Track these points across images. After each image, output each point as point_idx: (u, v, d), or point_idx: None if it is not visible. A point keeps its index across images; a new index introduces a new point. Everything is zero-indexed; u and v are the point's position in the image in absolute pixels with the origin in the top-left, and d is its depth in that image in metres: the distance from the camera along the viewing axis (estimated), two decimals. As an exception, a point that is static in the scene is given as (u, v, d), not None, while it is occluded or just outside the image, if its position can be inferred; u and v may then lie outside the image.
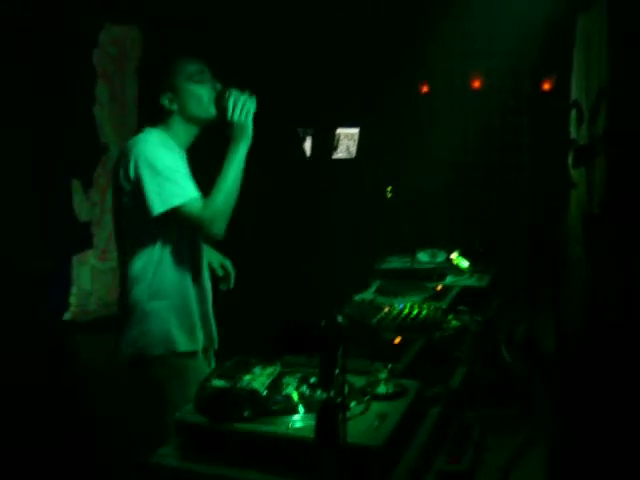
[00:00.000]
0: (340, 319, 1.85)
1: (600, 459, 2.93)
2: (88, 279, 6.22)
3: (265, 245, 5.88)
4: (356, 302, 3.55)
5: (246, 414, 2.02)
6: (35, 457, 3.71)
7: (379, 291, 3.81)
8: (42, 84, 5.52)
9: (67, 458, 3.75)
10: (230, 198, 2.71)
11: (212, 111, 2.84)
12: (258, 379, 2.12)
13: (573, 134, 5.04)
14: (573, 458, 2.85)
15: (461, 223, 6.62)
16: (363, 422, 1.98)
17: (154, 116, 2.87)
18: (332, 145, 6.73)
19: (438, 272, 4.16)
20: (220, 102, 2.79)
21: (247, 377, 2.13)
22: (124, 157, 2.73)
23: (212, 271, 3.10)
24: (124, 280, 2.81)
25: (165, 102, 2.83)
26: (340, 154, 6.86)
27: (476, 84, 6.45)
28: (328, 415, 1.71)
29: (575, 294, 4.55)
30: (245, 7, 5.94)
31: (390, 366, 2.34)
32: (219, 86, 2.86)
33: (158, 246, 2.75)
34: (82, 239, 6.17)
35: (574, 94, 5.26)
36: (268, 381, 2.13)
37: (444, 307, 3.33)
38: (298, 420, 2.00)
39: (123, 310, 2.81)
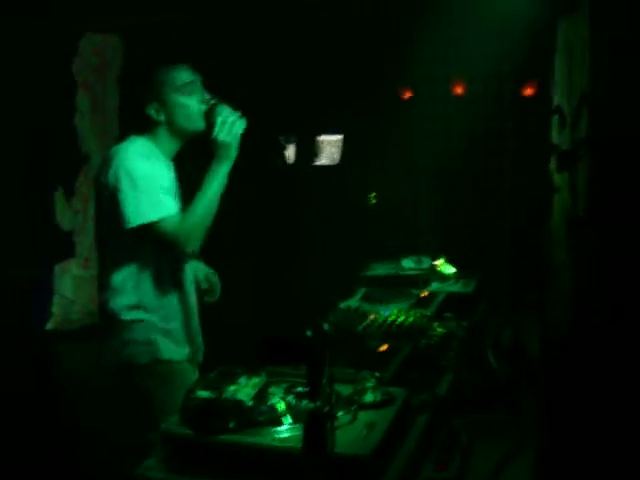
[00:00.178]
0: (326, 327, 1.84)
1: (587, 464, 2.93)
2: (71, 288, 6.19)
3: (248, 254, 5.86)
4: (341, 310, 3.54)
5: (232, 425, 2.00)
6: (17, 467, 3.67)
7: (364, 298, 3.80)
8: (23, 94, 5.49)
9: (50, 469, 3.70)
10: (207, 217, 2.67)
11: (200, 124, 2.80)
12: (243, 389, 2.10)
13: (555, 139, 5.04)
14: (560, 463, 2.84)
15: (445, 229, 6.61)
16: (351, 431, 1.97)
17: (140, 124, 2.82)
18: (315, 152, 6.71)
19: (423, 278, 4.15)
20: (209, 116, 2.75)
21: (232, 388, 2.10)
22: (106, 165, 2.69)
23: (197, 283, 3.07)
24: (104, 290, 2.77)
25: (152, 112, 2.78)
26: (323, 161, 6.83)
27: (459, 90, 6.44)
28: (316, 425, 1.69)
29: (560, 298, 4.54)
30: (227, 15, 5.92)
31: (377, 374, 2.33)
32: (209, 98, 2.82)
33: (138, 258, 2.71)
34: (64, 248, 6.14)
35: (556, 99, 5.27)
36: (254, 391, 2.11)
37: (430, 314, 3.32)
38: (285, 431, 1.98)
39: (105, 320, 2.77)
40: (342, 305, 3.64)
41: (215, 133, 2.69)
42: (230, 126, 2.70)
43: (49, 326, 5.97)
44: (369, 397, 2.18)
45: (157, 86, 2.79)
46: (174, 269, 2.81)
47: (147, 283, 2.73)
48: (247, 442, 1.96)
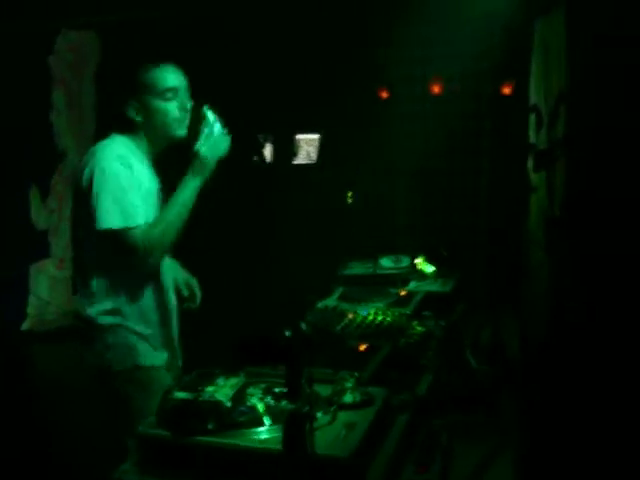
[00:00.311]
0: (304, 327, 1.82)
1: (566, 462, 2.93)
2: (46, 288, 6.13)
3: (224, 253, 5.82)
4: (319, 309, 3.51)
5: (210, 427, 1.97)
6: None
7: (342, 297, 3.78)
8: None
9: (23, 471, 3.66)
10: (171, 231, 2.62)
11: (179, 132, 2.77)
12: (222, 390, 2.07)
13: (532, 138, 5.05)
14: (540, 463, 2.84)
15: (422, 228, 6.61)
16: (331, 432, 1.95)
17: (121, 122, 2.77)
18: (292, 151, 6.70)
19: (401, 277, 4.14)
20: (196, 123, 2.71)
21: (210, 388, 2.07)
22: (84, 164, 2.65)
23: (177, 290, 3.03)
24: (82, 294, 2.73)
25: (131, 112, 2.74)
26: (300, 160, 6.83)
27: (436, 89, 6.44)
28: (295, 426, 1.67)
29: (537, 297, 4.55)
30: (205, 12, 5.89)
31: (356, 374, 2.31)
32: (193, 104, 2.78)
33: (114, 261, 2.66)
34: (40, 248, 6.09)
35: (533, 98, 5.28)
36: (232, 392, 2.08)
37: (409, 313, 3.31)
38: (264, 432, 1.96)
39: (84, 323, 2.73)
40: (320, 305, 3.62)
41: (197, 145, 2.65)
42: (214, 142, 2.67)
43: (24, 327, 5.92)
44: (348, 397, 2.17)
45: (138, 87, 2.74)
46: (151, 273, 2.76)
47: (124, 287, 2.69)
48: (226, 444, 1.93)
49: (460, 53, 6.29)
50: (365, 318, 3.18)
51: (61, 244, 6.13)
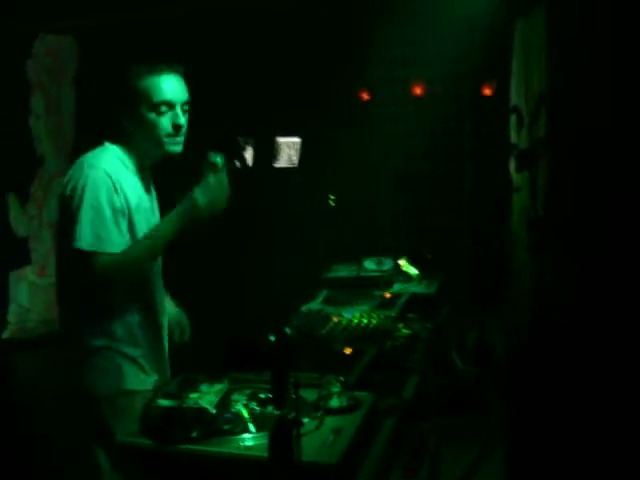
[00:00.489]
0: (289, 332, 1.79)
1: (554, 461, 2.92)
2: (26, 296, 6.05)
3: (207, 257, 5.78)
4: (303, 313, 3.48)
5: (194, 434, 1.93)
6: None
7: (326, 301, 3.75)
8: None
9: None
10: (135, 266, 2.50)
11: (174, 149, 2.62)
12: (206, 397, 2.04)
13: (514, 139, 5.05)
14: (528, 462, 2.82)
15: (405, 230, 6.60)
16: (317, 438, 1.91)
17: (115, 130, 2.62)
18: (274, 154, 6.67)
19: (385, 280, 4.12)
20: (200, 162, 2.51)
21: (194, 395, 2.04)
22: (71, 174, 2.53)
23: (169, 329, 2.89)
24: (66, 313, 2.63)
25: (124, 121, 2.60)
26: (282, 163, 6.79)
27: (417, 90, 6.42)
28: (281, 432, 1.64)
29: (520, 298, 4.55)
30: (184, 15, 5.85)
31: (342, 378, 2.28)
32: (185, 121, 2.61)
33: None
34: (20, 255, 6.01)
35: (513, 99, 5.28)
36: (216, 399, 2.05)
37: (394, 315, 3.28)
38: (249, 439, 1.92)
39: (69, 344, 2.62)
40: (304, 308, 3.59)
41: (196, 189, 2.47)
42: (214, 194, 2.48)
43: (5, 335, 5.83)
44: (335, 402, 2.14)
45: (130, 93, 2.58)
46: (141, 292, 2.65)
47: (112, 307, 2.55)
48: (210, 451, 1.89)
49: (441, 54, 6.29)
50: (350, 321, 3.15)
51: (41, 251, 6.06)
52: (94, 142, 2.70)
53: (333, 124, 6.46)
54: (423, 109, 6.49)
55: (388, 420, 2.24)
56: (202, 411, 1.96)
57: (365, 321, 3.13)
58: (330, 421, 2.03)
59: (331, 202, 5.15)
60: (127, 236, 2.54)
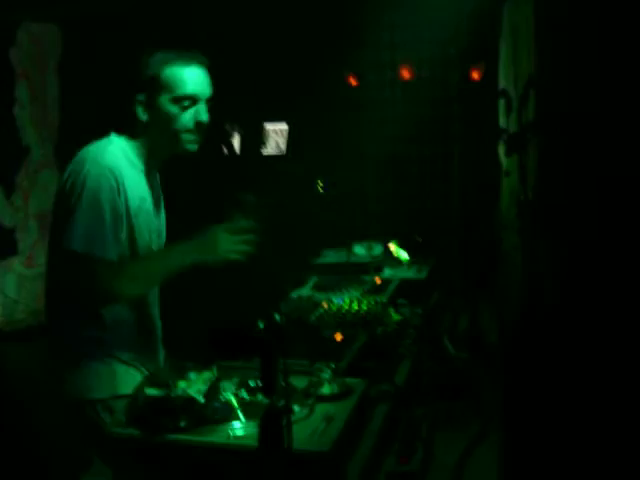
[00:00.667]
0: (278, 318, 1.75)
1: (548, 446, 2.91)
2: (14, 287, 6.01)
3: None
4: (293, 299, 3.46)
5: (183, 424, 1.89)
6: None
7: (316, 287, 3.73)
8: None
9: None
10: (129, 286, 2.28)
11: (190, 147, 2.43)
12: (194, 386, 1.99)
13: (502, 123, 5.04)
14: (522, 447, 2.81)
15: (395, 215, 6.59)
16: (309, 426, 1.88)
17: (123, 121, 2.41)
18: (261, 141, 6.63)
19: (375, 265, 4.10)
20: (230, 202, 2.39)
21: (182, 384, 1.99)
22: (72, 168, 2.33)
23: None
24: (56, 314, 2.45)
25: (138, 110, 2.38)
26: (270, 150, 6.76)
27: (406, 75, 6.39)
28: (272, 421, 1.61)
29: (512, 281, 4.55)
30: (169, 2, 5.79)
31: (332, 365, 2.25)
32: (206, 117, 2.39)
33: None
34: (6, 245, 5.95)
35: (502, 83, 5.26)
36: (205, 387, 2.01)
37: (384, 301, 3.26)
38: (239, 428, 1.88)
39: (59, 347, 2.44)
40: (293, 294, 3.56)
41: (217, 226, 2.34)
42: (235, 238, 2.31)
43: (-7, 327, 5.80)
44: (326, 389, 2.10)
45: (151, 81, 2.36)
46: (140, 306, 2.47)
47: (104, 309, 2.37)
48: (200, 441, 1.86)
49: (429, 38, 6.27)
50: (340, 307, 3.13)
51: (28, 241, 6.00)
52: (96, 133, 2.47)
53: (321, 110, 6.43)
54: (411, 93, 6.47)
55: (380, 407, 2.21)
56: (190, 400, 1.92)
57: (355, 307, 3.11)
58: (321, 408, 2.00)
59: (320, 188, 5.12)
60: (125, 243, 2.36)
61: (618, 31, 3.19)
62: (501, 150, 4.90)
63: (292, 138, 6.63)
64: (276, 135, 6.76)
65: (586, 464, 2.86)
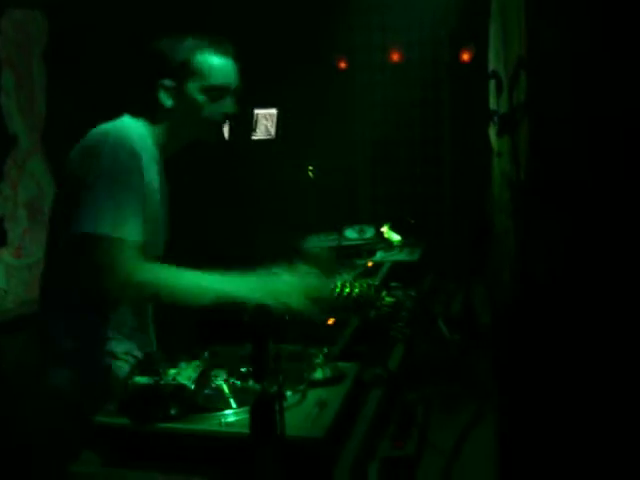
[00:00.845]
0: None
1: (543, 429, 2.90)
2: (3, 277, 5.96)
3: (185, 229, 5.71)
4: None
5: (173, 412, 1.85)
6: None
7: (308, 271, 3.70)
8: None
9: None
10: (170, 296, 2.14)
11: (211, 138, 2.39)
12: (184, 373, 1.95)
13: (493, 105, 5.01)
14: (518, 430, 2.79)
15: (386, 198, 6.58)
16: (301, 412, 1.84)
17: (140, 104, 2.32)
18: (251, 126, 6.59)
19: (367, 248, 4.09)
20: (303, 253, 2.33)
21: (172, 371, 1.95)
22: (92, 145, 2.21)
23: None
24: (48, 306, 2.37)
25: (161, 94, 2.30)
26: (259, 135, 6.72)
27: (395, 57, 6.36)
28: (263, 408, 1.57)
29: (503, 264, 4.53)
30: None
31: (325, 349, 2.22)
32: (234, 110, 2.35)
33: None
34: (-5, 236, 5.91)
35: (492, 64, 5.23)
36: (195, 374, 1.97)
37: (377, 284, 3.23)
38: (231, 415, 1.85)
39: (49, 342, 2.35)
40: (285, 279, 3.53)
41: (283, 274, 2.26)
42: (300, 290, 2.21)
43: (-18, 318, 5.75)
44: (318, 374, 2.06)
45: (182, 66, 2.29)
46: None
47: (99, 302, 2.28)
48: (191, 429, 1.82)
49: (418, 20, 6.24)
50: (332, 291, 3.10)
51: (17, 231, 5.95)
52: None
53: (310, 93, 6.39)
54: (401, 76, 6.44)
55: (374, 391, 2.18)
56: (181, 387, 1.88)
57: (347, 290, 3.07)
58: (314, 394, 1.96)
59: (310, 173, 5.09)
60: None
61: (611, 8, 3.15)
62: (492, 132, 4.87)
63: (281, 123, 6.59)
64: (265, 120, 6.72)
65: (581, 446, 2.85)
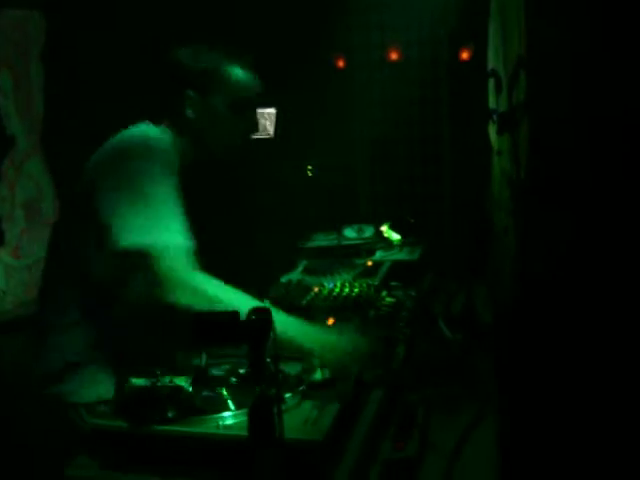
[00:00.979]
0: (267, 303, 1.69)
1: (544, 428, 2.88)
2: (2, 278, 5.94)
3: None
4: (283, 284, 3.40)
5: (170, 414, 1.83)
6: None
7: (307, 271, 3.68)
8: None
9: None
10: (191, 301, 2.00)
11: (228, 157, 2.37)
12: (181, 374, 1.93)
13: (492, 104, 4.99)
14: (519, 430, 2.77)
15: (385, 198, 6.56)
16: (301, 414, 1.82)
17: (158, 111, 2.26)
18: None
19: (366, 248, 4.07)
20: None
21: (169, 373, 1.93)
22: (113, 154, 2.14)
23: None
24: (47, 312, 2.30)
25: (184, 105, 2.25)
26: (258, 134, 6.70)
27: (394, 56, 6.33)
28: (262, 410, 1.54)
29: (503, 263, 4.51)
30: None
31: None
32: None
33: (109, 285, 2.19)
34: (-8, 237, 5.89)
35: (491, 63, 5.21)
36: (193, 376, 1.94)
37: (376, 284, 3.22)
38: (229, 417, 1.82)
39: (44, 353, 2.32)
40: (283, 279, 3.51)
41: (339, 332, 2.17)
42: (352, 351, 2.07)
43: (-20, 319, 5.73)
44: (317, 375, 2.04)
45: (208, 80, 2.24)
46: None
47: (105, 314, 2.23)
48: (188, 432, 1.79)
49: (417, 18, 6.22)
50: (332, 291, 3.08)
51: (15, 232, 5.92)
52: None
53: (309, 92, 6.36)
54: (400, 75, 6.42)
55: (374, 392, 2.15)
56: (178, 389, 1.85)
57: (347, 290, 3.06)
58: (313, 396, 1.94)
59: (309, 172, 5.07)
60: None
61: (610, 8, 3.14)
62: (491, 130, 4.85)
63: (280, 122, 6.57)
64: (264, 119, 6.69)
65: (581, 446, 2.83)
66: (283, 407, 1.63)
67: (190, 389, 1.87)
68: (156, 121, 2.31)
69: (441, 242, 5.86)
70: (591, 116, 3.17)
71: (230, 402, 1.89)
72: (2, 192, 5.90)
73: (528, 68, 3.89)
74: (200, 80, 2.25)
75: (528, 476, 2.79)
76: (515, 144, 4.13)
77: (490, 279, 4.19)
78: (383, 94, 6.54)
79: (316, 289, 3.13)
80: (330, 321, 2.64)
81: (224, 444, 1.74)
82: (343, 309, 2.84)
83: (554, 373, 3.11)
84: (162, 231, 2.03)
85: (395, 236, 4.10)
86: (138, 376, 1.89)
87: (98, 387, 2.26)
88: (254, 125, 2.39)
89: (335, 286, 3.14)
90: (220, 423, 1.80)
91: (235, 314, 1.51)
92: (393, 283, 3.36)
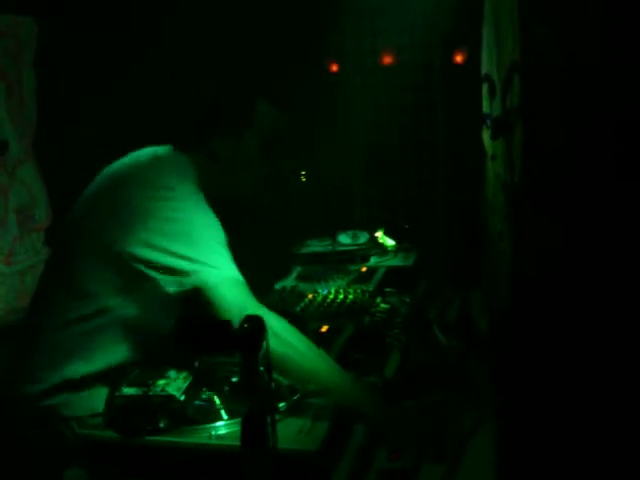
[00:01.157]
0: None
1: (541, 433, 2.86)
2: (-6, 284, 5.92)
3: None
4: (277, 291, 3.39)
5: (162, 425, 1.80)
6: None
7: (301, 277, 3.67)
8: None
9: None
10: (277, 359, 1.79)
11: (246, 204, 2.32)
12: (174, 383, 1.90)
13: (486, 108, 4.98)
14: (516, 436, 2.75)
15: (380, 203, 6.54)
16: (295, 424, 1.79)
17: (187, 141, 2.16)
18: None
19: (361, 254, 4.05)
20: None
21: (161, 382, 1.90)
22: (138, 174, 2.07)
23: None
24: (42, 345, 2.19)
25: (215, 142, 2.15)
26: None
27: (387, 60, 6.32)
28: (255, 419, 1.51)
29: (496, 268, 4.50)
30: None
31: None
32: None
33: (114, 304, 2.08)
34: (-16, 243, 5.86)
35: (484, 67, 5.21)
36: (185, 385, 1.91)
37: (371, 290, 3.20)
38: (222, 427, 1.79)
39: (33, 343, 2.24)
40: (277, 286, 3.49)
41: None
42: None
43: (-28, 326, 5.69)
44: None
45: (242, 117, 2.15)
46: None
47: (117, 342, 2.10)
48: (180, 442, 1.77)
49: (410, 23, 6.21)
50: (326, 297, 3.06)
51: (7, 238, 5.88)
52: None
53: (301, 97, 6.35)
54: (394, 79, 6.41)
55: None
56: (170, 399, 1.83)
57: (341, 296, 3.04)
58: (308, 405, 1.91)
59: (302, 177, 5.05)
60: None
61: (605, 11, 3.12)
62: (485, 135, 4.84)
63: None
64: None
65: (580, 449, 2.81)
66: (277, 416, 1.60)
67: (182, 398, 1.84)
68: (183, 149, 2.22)
69: (436, 248, 5.84)
70: (585, 121, 3.15)
71: (223, 411, 1.87)
72: (-6, 199, 5.88)
73: (522, 73, 3.88)
74: (233, 117, 2.18)
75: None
76: (509, 149, 4.11)
77: (485, 284, 4.17)
78: (376, 99, 6.53)
79: (310, 296, 3.12)
80: (324, 328, 2.62)
81: (217, 455, 1.71)
82: (337, 315, 2.82)
83: (549, 377, 3.09)
84: (211, 267, 2.01)
85: (389, 242, 4.08)
86: (130, 385, 1.86)
87: (92, 400, 2.20)
88: (284, 174, 2.36)
89: (329, 292, 3.13)
90: (212, 433, 1.77)
91: (227, 322, 1.48)
92: (388, 289, 3.34)
